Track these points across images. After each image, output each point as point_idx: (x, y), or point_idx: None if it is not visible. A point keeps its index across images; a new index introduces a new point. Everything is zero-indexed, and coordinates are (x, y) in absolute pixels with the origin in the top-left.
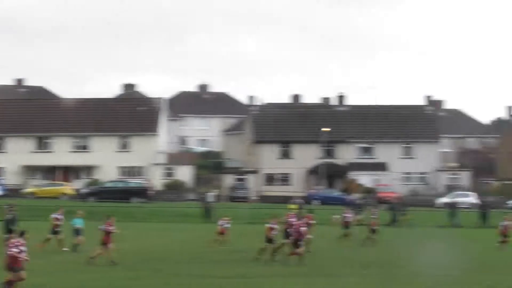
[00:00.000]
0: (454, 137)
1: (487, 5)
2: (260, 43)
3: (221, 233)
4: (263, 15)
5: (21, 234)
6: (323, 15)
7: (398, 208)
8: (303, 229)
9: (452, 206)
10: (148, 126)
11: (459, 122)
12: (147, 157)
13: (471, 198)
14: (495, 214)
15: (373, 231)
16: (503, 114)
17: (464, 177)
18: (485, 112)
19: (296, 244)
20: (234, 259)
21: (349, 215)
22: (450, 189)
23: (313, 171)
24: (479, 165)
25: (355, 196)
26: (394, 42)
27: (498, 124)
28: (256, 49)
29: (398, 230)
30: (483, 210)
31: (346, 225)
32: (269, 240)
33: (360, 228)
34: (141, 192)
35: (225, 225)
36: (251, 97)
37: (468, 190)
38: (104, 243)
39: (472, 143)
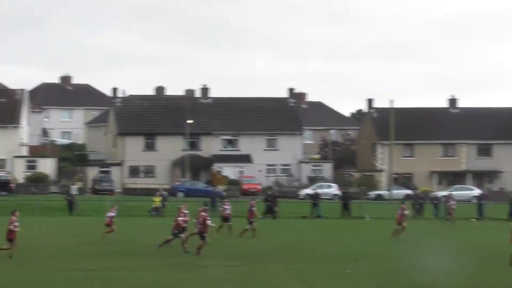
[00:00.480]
0: (317, 129)
1: None
2: (124, 35)
3: (108, 224)
4: (126, 7)
5: None
6: (187, 7)
7: (272, 200)
8: (208, 222)
9: (314, 197)
10: (9, 118)
11: (321, 114)
12: (8, 149)
13: (333, 189)
14: (356, 205)
15: (251, 222)
16: (363, 106)
17: (326, 168)
18: (345, 104)
19: (201, 235)
20: (100, 252)
21: (228, 207)
22: (313, 180)
23: (178, 163)
24: (341, 157)
25: (219, 188)
26: (260, 36)
27: (358, 116)
28: (120, 41)
29: (271, 222)
30: (345, 201)
31: (226, 217)
32: (175, 234)
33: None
34: (3, 185)
35: (113, 215)
36: (114, 89)
37: (330, 182)
38: (10, 239)
39: (333, 135)
